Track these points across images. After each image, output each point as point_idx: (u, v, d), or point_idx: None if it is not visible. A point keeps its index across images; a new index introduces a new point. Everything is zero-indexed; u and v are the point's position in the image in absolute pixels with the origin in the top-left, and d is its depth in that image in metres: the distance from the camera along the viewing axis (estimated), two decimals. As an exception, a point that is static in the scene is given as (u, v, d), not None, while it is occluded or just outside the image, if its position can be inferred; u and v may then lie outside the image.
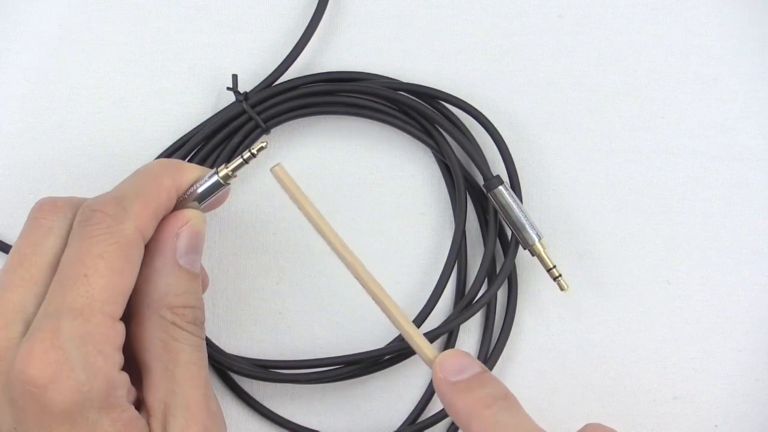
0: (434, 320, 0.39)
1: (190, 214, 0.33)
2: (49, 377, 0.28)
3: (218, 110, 0.40)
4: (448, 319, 0.39)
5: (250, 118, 0.39)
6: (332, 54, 0.41)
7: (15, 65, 0.41)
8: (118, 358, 0.29)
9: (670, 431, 0.39)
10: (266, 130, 0.39)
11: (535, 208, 0.40)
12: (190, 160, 0.39)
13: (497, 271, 0.39)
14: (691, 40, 0.41)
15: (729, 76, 0.41)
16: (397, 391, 0.40)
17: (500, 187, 0.38)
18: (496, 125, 0.39)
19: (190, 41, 0.41)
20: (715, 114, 0.41)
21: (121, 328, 0.30)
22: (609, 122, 0.41)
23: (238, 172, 0.34)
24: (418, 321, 0.39)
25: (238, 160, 0.33)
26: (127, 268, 0.30)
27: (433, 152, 0.40)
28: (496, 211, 0.39)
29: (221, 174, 0.33)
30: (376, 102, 0.40)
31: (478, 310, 0.39)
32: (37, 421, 0.28)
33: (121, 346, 0.30)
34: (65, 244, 0.31)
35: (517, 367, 0.40)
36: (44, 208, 0.32)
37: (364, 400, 0.40)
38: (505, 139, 0.39)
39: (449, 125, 0.39)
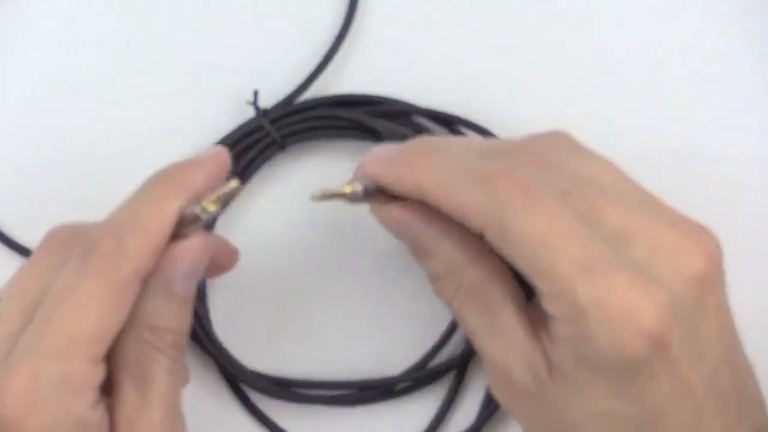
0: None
1: (193, 244, 0.31)
2: (22, 414, 0.27)
3: (235, 122, 0.40)
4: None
5: (268, 134, 0.39)
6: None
7: (17, 65, 0.41)
8: (93, 397, 0.29)
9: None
10: (282, 147, 0.40)
11: None
12: None
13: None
14: (691, 40, 0.41)
15: (729, 76, 0.41)
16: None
17: None
18: None
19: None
20: (715, 114, 0.40)
21: (100, 369, 0.29)
22: (608, 122, 0.40)
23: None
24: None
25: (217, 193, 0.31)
26: (119, 311, 0.29)
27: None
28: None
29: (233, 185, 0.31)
30: (395, 127, 0.40)
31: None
32: None
33: (99, 384, 0.29)
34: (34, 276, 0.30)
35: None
36: (56, 240, 0.31)
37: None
38: None
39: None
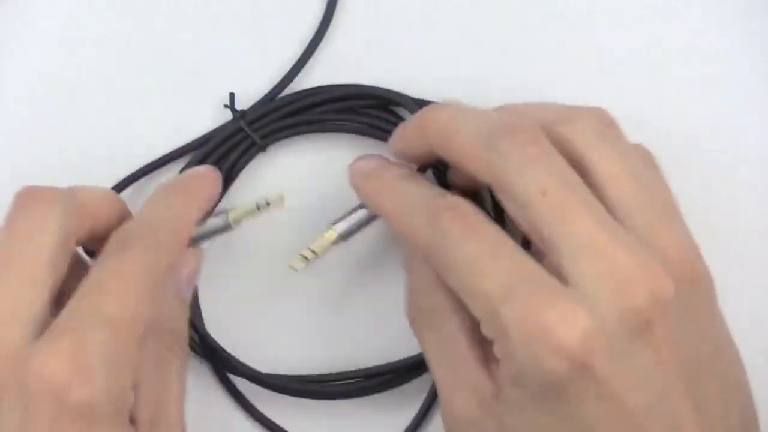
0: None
1: (197, 250, 0.35)
2: (70, 379, 0.27)
3: (216, 122, 0.40)
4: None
5: (248, 136, 0.39)
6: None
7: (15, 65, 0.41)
8: (132, 380, 0.29)
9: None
10: (263, 148, 0.39)
11: None
12: None
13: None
14: (691, 40, 0.41)
15: (729, 76, 0.40)
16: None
17: None
18: None
19: (188, 51, 0.41)
20: (715, 114, 0.40)
21: (138, 354, 0.29)
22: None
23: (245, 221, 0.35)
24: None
25: (251, 206, 0.35)
26: (154, 301, 0.30)
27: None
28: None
29: (231, 217, 0.35)
30: (374, 119, 0.39)
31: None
32: (50, 423, 0.27)
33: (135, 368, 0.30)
34: (60, 242, 0.30)
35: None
36: (32, 199, 0.30)
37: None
38: None
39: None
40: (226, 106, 0.39)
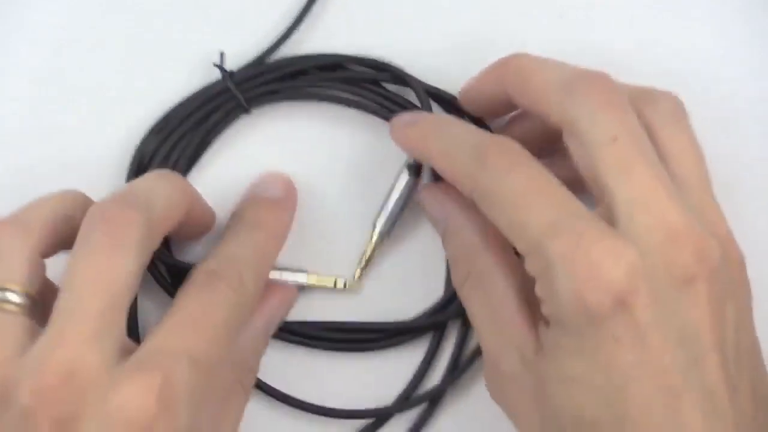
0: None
1: (288, 291, 0.36)
2: (156, 415, 0.26)
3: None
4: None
5: (233, 97, 0.39)
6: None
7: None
8: (213, 411, 0.30)
9: None
10: (247, 110, 0.39)
11: None
12: (169, 136, 0.39)
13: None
14: (692, 40, 0.41)
15: (729, 76, 0.41)
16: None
17: (412, 179, 0.38)
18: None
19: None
20: (715, 114, 0.40)
21: (214, 388, 0.30)
22: None
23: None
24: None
25: (329, 281, 0.38)
26: (235, 342, 0.31)
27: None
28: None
29: (308, 281, 0.38)
30: (363, 90, 0.39)
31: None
32: None
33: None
34: (141, 265, 0.29)
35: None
36: (117, 219, 0.29)
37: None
38: None
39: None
40: (215, 65, 0.39)
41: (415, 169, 0.37)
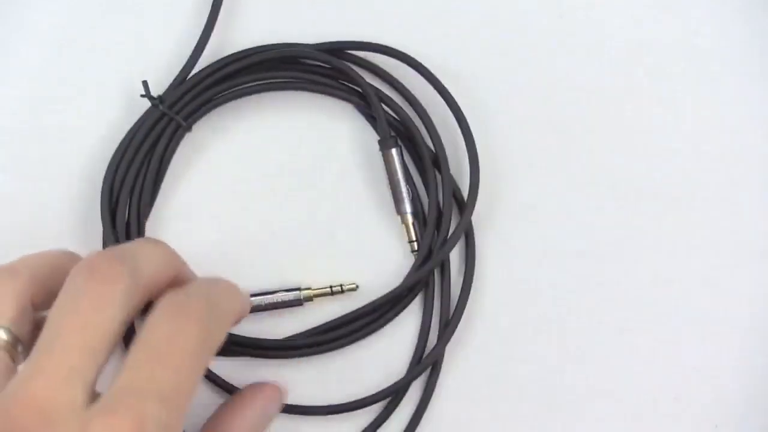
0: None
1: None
2: None
3: (137, 113, 0.40)
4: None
5: (171, 119, 0.40)
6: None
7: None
8: None
9: (671, 431, 0.40)
10: (188, 128, 0.40)
11: (539, 206, 0.41)
12: (120, 175, 0.40)
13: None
14: (692, 40, 0.41)
15: (729, 76, 0.41)
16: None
17: (393, 150, 0.40)
18: (490, 127, 0.41)
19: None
20: (715, 114, 0.41)
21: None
22: (608, 122, 0.41)
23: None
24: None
25: (325, 289, 0.39)
26: (204, 368, 0.30)
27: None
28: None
29: (304, 294, 0.39)
30: (294, 72, 0.41)
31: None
32: None
33: None
34: (123, 320, 0.29)
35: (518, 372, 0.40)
36: (103, 270, 0.29)
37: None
38: (510, 141, 0.41)
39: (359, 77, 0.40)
40: (143, 95, 0.40)
41: (392, 140, 0.39)
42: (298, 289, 0.39)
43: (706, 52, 0.41)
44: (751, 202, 0.41)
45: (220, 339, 0.31)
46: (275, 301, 0.39)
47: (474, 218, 0.40)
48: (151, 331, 0.29)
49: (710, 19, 0.41)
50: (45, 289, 0.32)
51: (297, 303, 0.39)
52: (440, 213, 0.40)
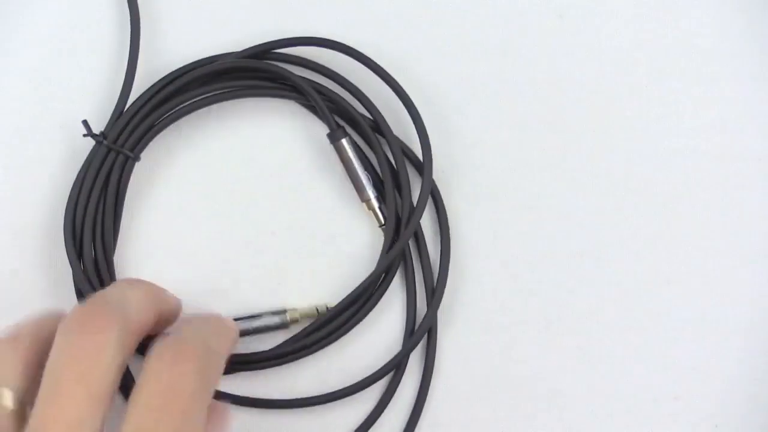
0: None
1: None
2: None
3: (81, 153, 0.40)
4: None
5: (119, 153, 0.40)
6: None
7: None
8: None
9: (671, 431, 0.40)
10: (137, 158, 0.40)
11: (540, 208, 0.41)
12: (78, 216, 0.40)
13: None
14: (691, 40, 0.41)
15: (729, 76, 0.41)
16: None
17: (343, 140, 0.39)
18: (485, 136, 0.41)
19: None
20: (715, 114, 0.41)
21: None
22: (608, 122, 0.41)
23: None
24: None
25: (310, 310, 0.39)
26: (204, 419, 0.31)
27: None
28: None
29: (289, 317, 0.39)
30: (230, 80, 0.40)
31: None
32: None
33: None
34: (119, 365, 0.30)
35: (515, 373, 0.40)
36: (93, 322, 0.30)
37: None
38: (500, 142, 0.41)
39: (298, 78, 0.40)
40: (86, 135, 0.40)
41: (340, 131, 0.39)
42: (284, 311, 0.39)
43: (706, 52, 0.41)
44: (751, 202, 0.40)
45: (218, 376, 0.32)
46: (261, 326, 0.39)
47: (474, 218, 0.40)
48: (151, 378, 0.30)
49: (710, 19, 0.41)
50: (45, 350, 0.32)
51: (283, 327, 0.39)
52: (395, 171, 0.40)
